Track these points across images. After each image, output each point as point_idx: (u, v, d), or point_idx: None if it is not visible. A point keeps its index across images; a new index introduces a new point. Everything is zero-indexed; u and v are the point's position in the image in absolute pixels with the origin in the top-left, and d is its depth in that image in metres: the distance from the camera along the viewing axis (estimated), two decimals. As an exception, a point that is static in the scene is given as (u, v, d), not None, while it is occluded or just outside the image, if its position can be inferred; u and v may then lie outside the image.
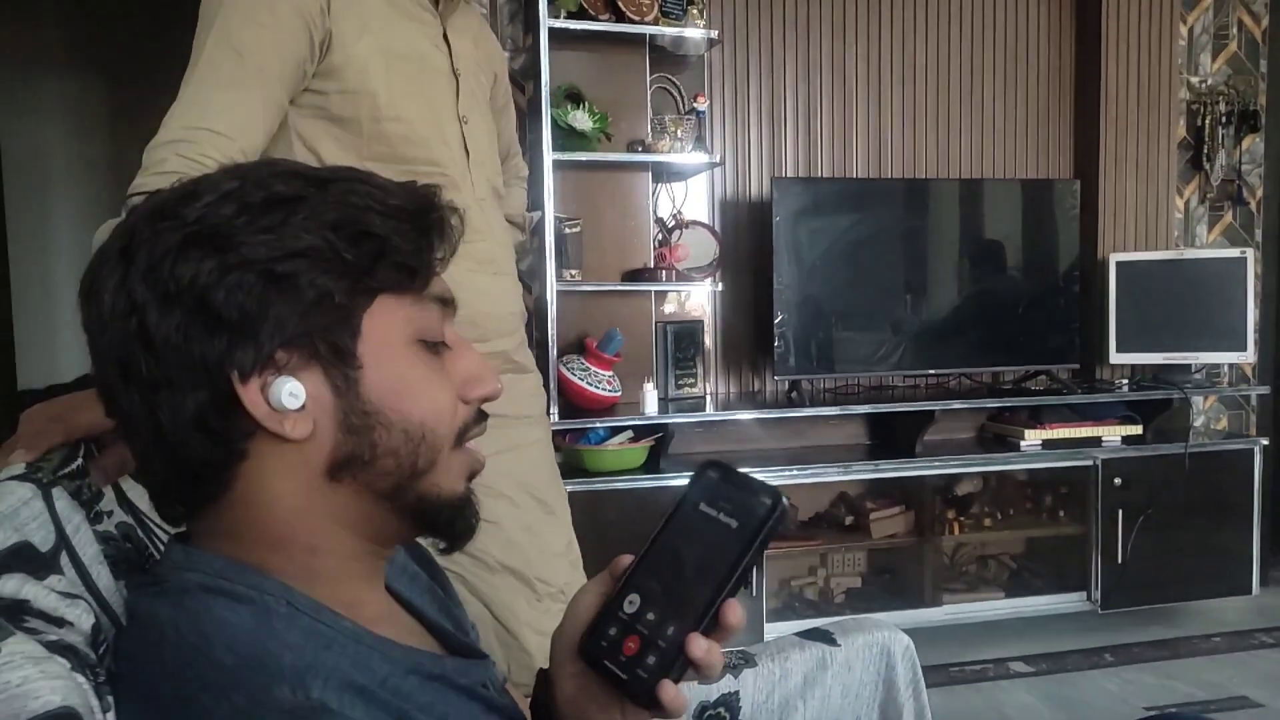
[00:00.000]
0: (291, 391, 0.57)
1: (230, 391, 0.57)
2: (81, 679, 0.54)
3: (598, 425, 2.55)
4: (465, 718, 0.64)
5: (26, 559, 0.62)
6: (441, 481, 0.64)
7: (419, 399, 0.62)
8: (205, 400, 0.57)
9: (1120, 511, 2.79)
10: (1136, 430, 2.92)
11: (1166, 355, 2.99)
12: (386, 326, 0.61)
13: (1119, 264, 3.02)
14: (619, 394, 2.59)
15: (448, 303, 0.66)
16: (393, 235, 0.60)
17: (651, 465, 2.59)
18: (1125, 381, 3.09)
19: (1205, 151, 3.28)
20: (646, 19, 2.61)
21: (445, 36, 1.35)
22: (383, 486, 0.62)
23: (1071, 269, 3.03)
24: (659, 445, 2.61)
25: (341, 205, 0.59)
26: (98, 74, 4.22)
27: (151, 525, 0.77)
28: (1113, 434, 2.90)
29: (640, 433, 2.59)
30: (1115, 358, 3.03)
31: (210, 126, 1.07)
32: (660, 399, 2.70)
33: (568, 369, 2.54)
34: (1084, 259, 3.08)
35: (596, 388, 2.53)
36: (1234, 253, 2.97)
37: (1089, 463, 2.81)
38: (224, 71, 1.11)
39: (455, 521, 0.66)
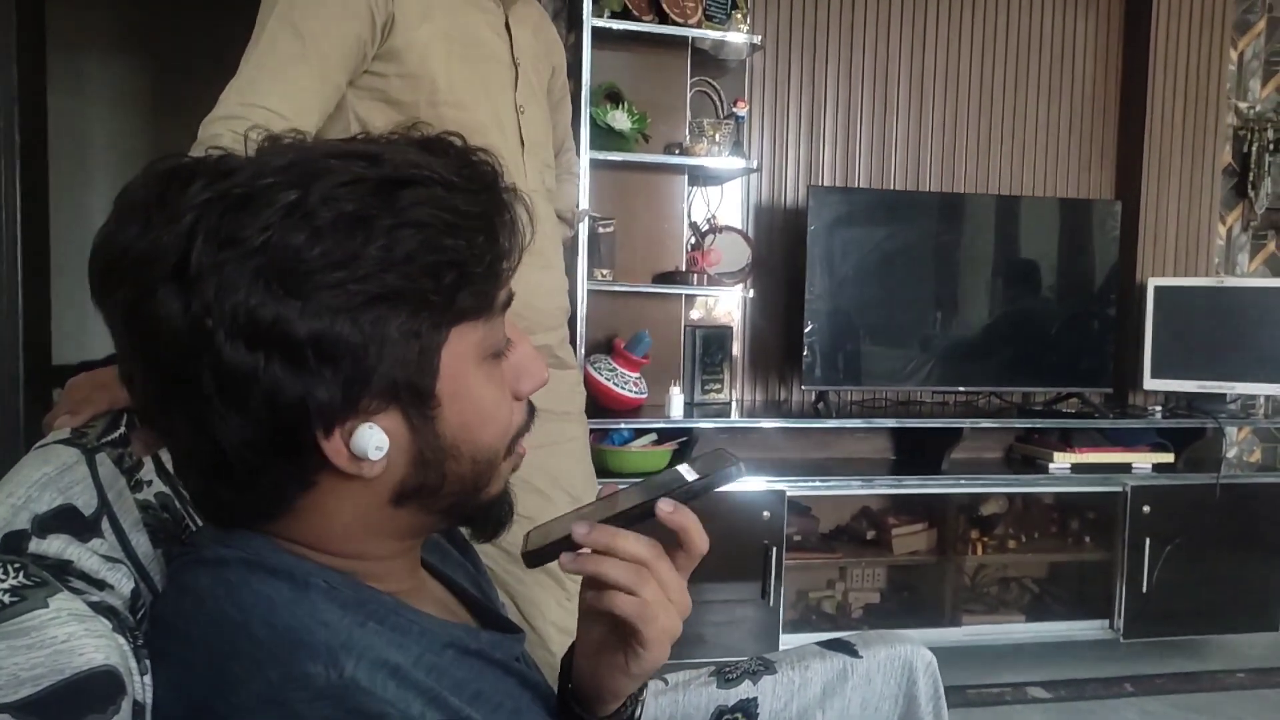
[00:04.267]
0: (378, 445, 0.56)
1: (310, 434, 0.55)
2: (122, 640, 0.55)
3: (622, 426, 2.55)
4: (501, 693, 0.65)
5: (70, 521, 0.63)
6: (493, 489, 0.65)
7: (489, 425, 0.62)
8: (279, 436, 0.55)
9: (1148, 540, 2.74)
10: (1168, 458, 2.88)
11: (1201, 384, 2.95)
12: (462, 356, 0.59)
13: (1157, 289, 2.98)
14: (645, 396, 2.58)
15: (511, 300, 0.64)
16: (469, 259, 0.56)
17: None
18: (1159, 408, 3.05)
19: (1250, 179, 3.23)
20: (690, 21, 2.61)
21: (507, 25, 1.35)
22: (443, 506, 0.62)
23: (1108, 291, 3.00)
24: (683, 450, 2.60)
25: (414, 226, 0.54)
26: (142, 57, 4.28)
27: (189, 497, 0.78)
28: (1143, 461, 2.86)
29: (664, 436, 2.59)
30: (1149, 384, 2.99)
31: (266, 104, 1.08)
32: (686, 403, 2.69)
33: (595, 369, 2.53)
34: (1122, 282, 3.04)
35: (623, 389, 2.52)
36: (1275, 283, 2.92)
37: (1118, 489, 2.77)
38: (283, 50, 1.12)
39: (497, 517, 0.67)
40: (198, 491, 0.62)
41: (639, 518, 0.63)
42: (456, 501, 0.62)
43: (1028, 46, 3.15)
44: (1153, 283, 2.99)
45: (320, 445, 0.55)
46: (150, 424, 0.59)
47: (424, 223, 0.55)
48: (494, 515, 0.67)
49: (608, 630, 0.65)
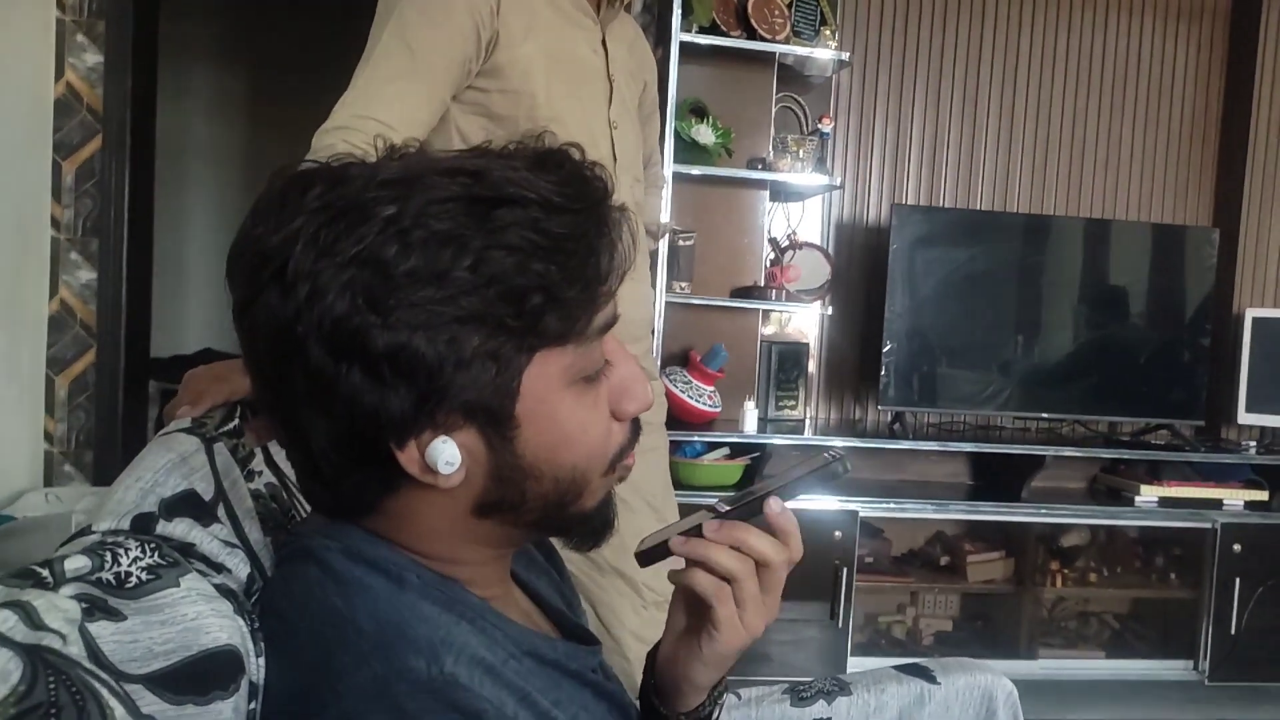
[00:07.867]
0: (449, 460, 0.56)
1: (386, 443, 0.56)
2: (242, 622, 0.57)
3: (695, 439, 2.55)
4: (576, 704, 0.65)
5: (193, 506, 0.66)
6: (587, 504, 0.64)
7: (574, 446, 0.61)
8: (358, 441, 0.56)
9: (1238, 580, 2.64)
10: (1262, 496, 2.76)
11: (1301, 419, 2.83)
12: (545, 380, 0.58)
13: (1255, 320, 2.87)
14: (719, 410, 2.58)
15: (612, 323, 0.62)
16: (558, 284, 0.55)
17: (745, 484, 2.57)
18: (1253, 444, 2.93)
19: (1359, 208, 3.09)
20: (778, 38, 2.61)
21: (604, 42, 1.38)
22: (528, 520, 0.62)
23: (1202, 321, 2.89)
24: (754, 465, 2.59)
25: (504, 248, 0.54)
26: (240, 66, 4.46)
27: (295, 488, 0.81)
28: (1236, 497, 2.75)
29: (737, 450, 2.58)
30: (1244, 418, 2.87)
31: (377, 116, 1.12)
32: (760, 419, 2.68)
33: (670, 381, 2.54)
34: (1217, 312, 2.94)
35: (697, 401, 2.53)
36: (1384, 317, 2.79)
37: (1208, 525, 2.66)
38: (395, 65, 1.16)
39: (593, 529, 0.67)
40: (301, 484, 0.65)
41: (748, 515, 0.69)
42: (542, 516, 0.62)
43: (1124, 69, 3.07)
44: (1251, 313, 2.88)
45: (395, 454, 0.56)
46: (266, 415, 0.62)
47: (515, 245, 0.54)
48: (589, 528, 0.66)
49: (691, 618, 0.69)
